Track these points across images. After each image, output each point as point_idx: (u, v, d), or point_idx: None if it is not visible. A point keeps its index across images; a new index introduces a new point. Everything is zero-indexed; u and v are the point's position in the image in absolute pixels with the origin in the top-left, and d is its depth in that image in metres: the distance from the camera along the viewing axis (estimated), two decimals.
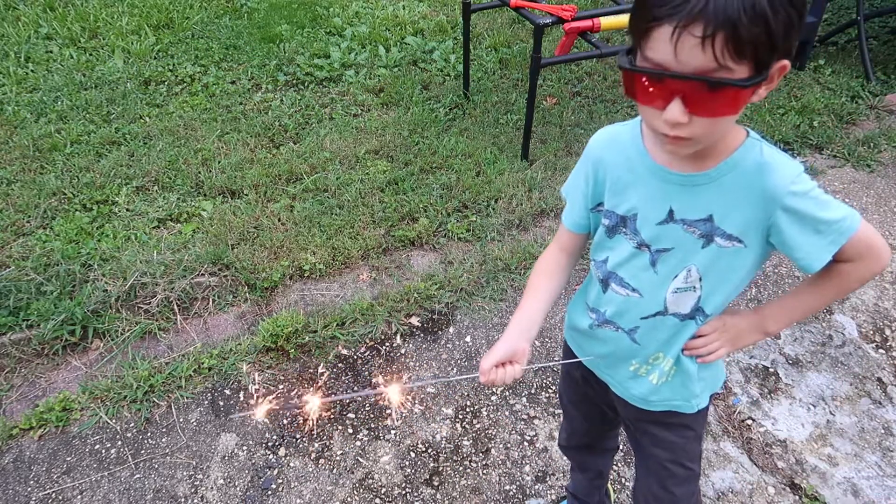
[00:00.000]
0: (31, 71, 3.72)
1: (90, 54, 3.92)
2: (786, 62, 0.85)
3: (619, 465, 1.95)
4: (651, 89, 0.87)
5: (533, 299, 1.20)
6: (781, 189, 0.95)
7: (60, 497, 1.85)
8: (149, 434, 2.01)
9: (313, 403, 1.93)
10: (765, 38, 0.80)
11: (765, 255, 1.04)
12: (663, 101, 0.87)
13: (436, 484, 1.89)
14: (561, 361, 1.40)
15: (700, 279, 1.05)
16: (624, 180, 1.08)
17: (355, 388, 2.14)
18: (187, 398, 2.10)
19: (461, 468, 1.93)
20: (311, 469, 1.92)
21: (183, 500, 1.85)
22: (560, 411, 1.60)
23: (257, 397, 2.11)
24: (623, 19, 2.80)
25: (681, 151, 0.95)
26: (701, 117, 0.86)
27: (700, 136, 0.90)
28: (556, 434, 1.78)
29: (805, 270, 1.01)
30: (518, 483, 1.90)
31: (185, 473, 1.91)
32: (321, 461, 1.94)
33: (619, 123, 1.12)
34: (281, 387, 2.15)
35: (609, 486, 1.82)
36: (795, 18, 0.81)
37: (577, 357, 1.33)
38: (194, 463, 1.94)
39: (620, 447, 1.94)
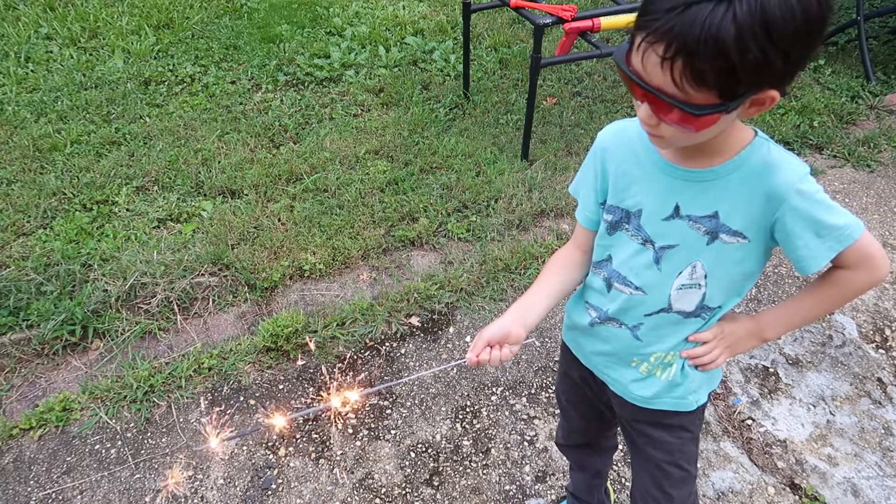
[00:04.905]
0: (31, 71, 3.71)
1: (90, 54, 3.91)
2: (773, 93, 0.85)
3: (619, 464, 1.95)
4: (630, 84, 0.90)
5: (536, 289, 1.21)
6: (788, 187, 0.95)
7: (60, 497, 1.85)
8: (149, 434, 2.01)
9: (277, 424, 1.93)
10: (726, 72, 0.79)
11: (768, 250, 1.05)
12: (638, 98, 0.91)
13: (436, 484, 1.89)
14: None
15: (705, 276, 1.06)
16: (630, 175, 1.08)
17: (378, 382, 2.14)
18: (187, 398, 2.10)
19: (461, 468, 1.93)
20: (311, 469, 1.93)
21: (183, 500, 1.85)
22: (559, 411, 1.60)
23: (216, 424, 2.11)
24: (623, 19, 2.80)
25: (660, 146, 1.00)
26: (667, 124, 0.90)
27: (671, 138, 0.93)
28: (556, 432, 1.78)
29: (801, 271, 1.01)
30: (518, 483, 1.90)
31: (185, 473, 1.91)
32: (321, 461, 1.94)
33: (627, 119, 1.13)
34: (281, 387, 2.15)
35: (609, 485, 1.82)
36: (777, 58, 0.79)
37: (576, 358, 1.33)
38: (194, 463, 1.94)
39: (620, 447, 1.94)
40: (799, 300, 1.11)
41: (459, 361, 1.28)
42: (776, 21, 0.77)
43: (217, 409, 2.07)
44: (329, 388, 2.14)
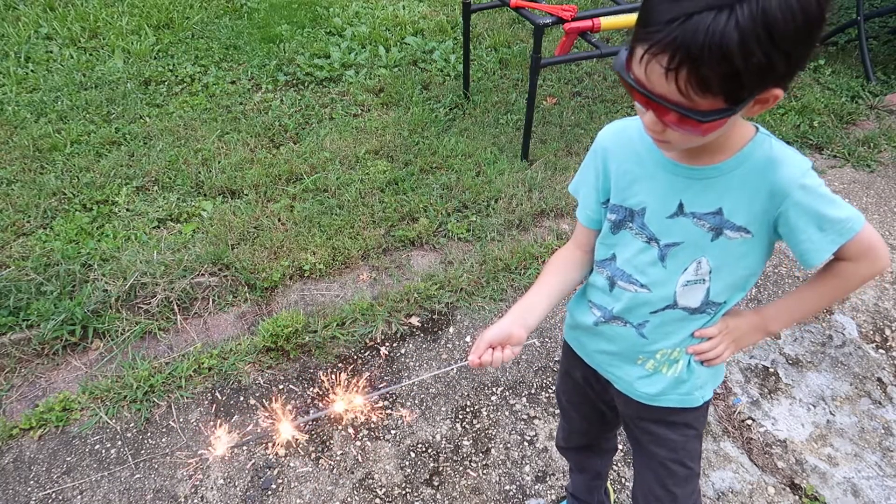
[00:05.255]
0: (31, 71, 3.72)
1: (90, 54, 3.92)
2: (776, 91, 0.85)
3: (619, 465, 1.95)
4: (633, 92, 0.90)
5: (536, 290, 1.21)
6: (791, 182, 0.96)
7: (60, 497, 1.85)
8: (149, 434, 2.01)
9: (285, 430, 1.94)
10: (731, 78, 0.80)
11: (771, 244, 1.06)
12: (642, 105, 0.91)
13: (436, 484, 1.89)
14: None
15: (710, 271, 1.07)
16: (632, 174, 1.09)
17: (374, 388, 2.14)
18: (187, 398, 2.10)
19: (461, 468, 1.93)
20: (311, 469, 1.93)
21: (183, 500, 1.85)
22: (559, 412, 1.60)
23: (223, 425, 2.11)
24: (623, 19, 2.80)
25: (666, 150, 1.01)
26: (673, 129, 0.90)
27: (677, 142, 0.94)
28: (556, 434, 1.78)
29: (805, 265, 1.02)
30: (518, 483, 1.90)
31: (185, 473, 1.91)
32: (321, 461, 1.94)
33: (626, 118, 1.13)
34: (281, 387, 2.15)
35: (609, 485, 1.82)
36: (780, 60, 0.80)
37: (578, 358, 1.32)
38: (194, 463, 1.94)
39: (620, 447, 1.95)
40: (801, 293, 1.13)
41: (461, 364, 1.29)
42: (777, 23, 0.77)
43: (222, 415, 2.07)
44: (331, 389, 2.14)
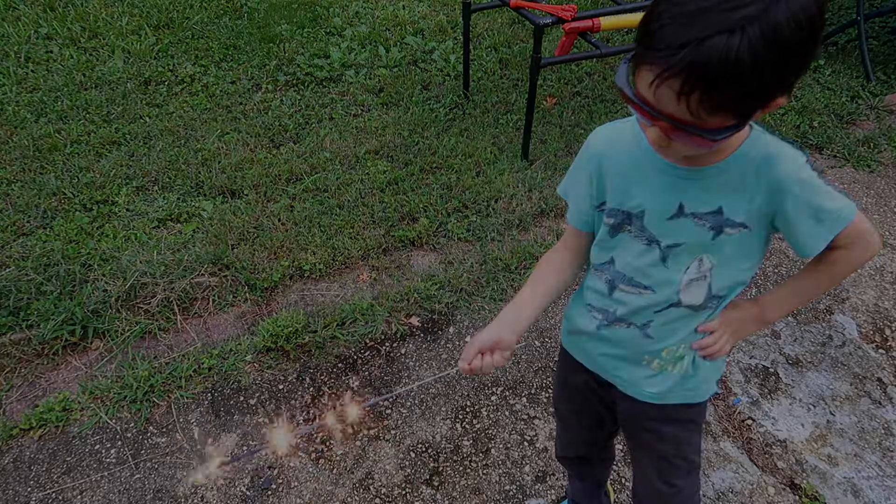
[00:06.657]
0: (31, 71, 3.71)
1: (90, 54, 3.91)
2: (780, 100, 0.86)
3: (619, 465, 1.95)
4: (639, 110, 0.90)
5: (526, 293, 1.22)
6: (789, 178, 0.98)
7: (60, 497, 1.85)
8: (149, 434, 2.01)
9: (280, 442, 1.94)
10: (743, 97, 0.81)
11: (769, 236, 1.07)
12: (647, 120, 0.91)
13: (436, 484, 1.89)
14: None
15: (711, 268, 1.07)
16: (629, 177, 1.09)
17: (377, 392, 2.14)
18: (187, 398, 2.10)
19: (461, 468, 1.93)
20: (311, 469, 1.93)
21: (183, 500, 1.85)
22: (557, 421, 1.59)
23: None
24: (623, 19, 2.80)
25: (668, 157, 1.02)
26: (680, 143, 0.91)
27: (680, 152, 0.96)
28: (555, 444, 1.78)
29: (802, 254, 1.04)
30: (518, 483, 1.90)
31: (185, 473, 1.91)
32: (321, 461, 1.94)
33: (618, 121, 1.13)
34: (281, 387, 2.15)
35: (609, 485, 1.82)
36: (790, 74, 0.82)
37: (577, 363, 1.32)
38: (194, 463, 1.94)
39: (619, 447, 1.94)
40: (797, 281, 1.14)
41: (457, 369, 1.29)
42: (787, 39, 0.77)
43: (222, 415, 2.07)
44: (331, 392, 2.15)
